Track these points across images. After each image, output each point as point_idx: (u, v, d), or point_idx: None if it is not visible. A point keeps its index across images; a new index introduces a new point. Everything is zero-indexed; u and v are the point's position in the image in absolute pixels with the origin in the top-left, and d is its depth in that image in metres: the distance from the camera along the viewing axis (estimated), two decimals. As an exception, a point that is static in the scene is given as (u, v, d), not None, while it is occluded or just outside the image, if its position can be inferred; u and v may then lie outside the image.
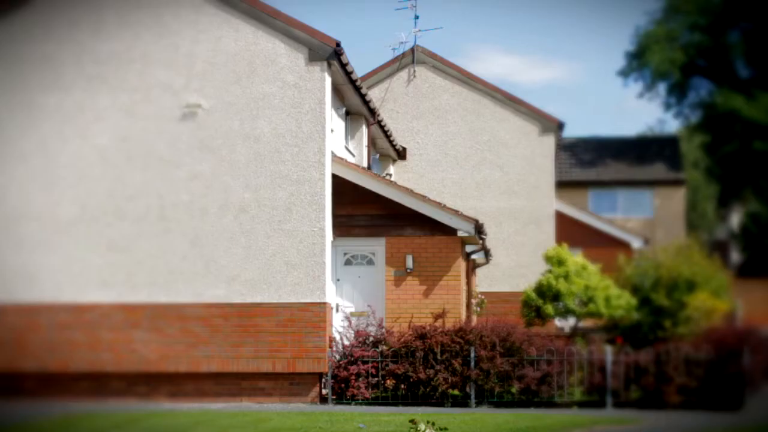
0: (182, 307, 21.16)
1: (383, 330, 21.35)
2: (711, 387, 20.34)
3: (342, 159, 22.83)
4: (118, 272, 21.23)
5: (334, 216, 21.96)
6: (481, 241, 24.01)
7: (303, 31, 21.22)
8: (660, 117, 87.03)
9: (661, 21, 53.22)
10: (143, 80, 21.51)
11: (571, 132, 54.33)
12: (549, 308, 24.46)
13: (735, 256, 56.44)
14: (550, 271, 24.92)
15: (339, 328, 21.76)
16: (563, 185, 40.79)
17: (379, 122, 26.80)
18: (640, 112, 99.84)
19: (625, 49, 54.13)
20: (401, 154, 30.56)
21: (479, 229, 22.81)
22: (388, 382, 21.00)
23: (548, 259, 25.21)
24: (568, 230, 34.23)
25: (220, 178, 21.25)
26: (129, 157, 21.44)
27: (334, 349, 21.14)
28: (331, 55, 21.17)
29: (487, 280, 30.40)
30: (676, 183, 44.81)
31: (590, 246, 34.74)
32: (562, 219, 34.44)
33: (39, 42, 21.66)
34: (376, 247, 22.79)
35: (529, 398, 20.72)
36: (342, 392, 20.84)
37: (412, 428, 15.32)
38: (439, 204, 22.82)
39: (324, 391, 20.98)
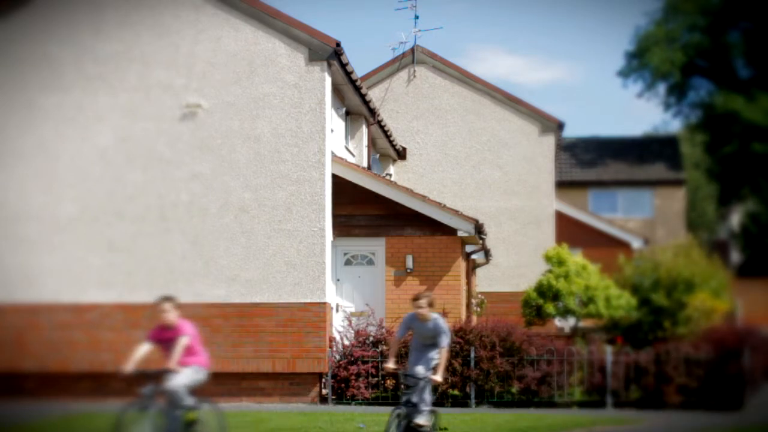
0: (182, 307, 21.08)
1: (383, 330, 21.34)
2: (711, 387, 20.34)
3: (342, 159, 22.82)
4: (118, 272, 21.23)
5: (334, 216, 21.95)
6: (481, 241, 24.01)
7: (303, 31, 21.22)
8: (664, 117, 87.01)
9: (661, 21, 53.21)
10: (143, 80, 21.50)
11: (571, 132, 54.39)
12: (549, 307, 24.46)
13: (735, 256, 56.40)
14: (550, 271, 24.92)
15: (339, 328, 21.77)
16: (563, 185, 40.80)
17: (379, 122, 26.80)
18: (642, 112, 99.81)
19: (625, 49, 54.23)
20: (401, 154, 30.55)
21: (479, 229, 22.80)
22: (388, 382, 20.99)
23: (548, 259, 25.20)
24: (568, 230, 34.26)
25: (220, 178, 21.24)
26: (129, 157, 21.43)
27: (334, 349, 21.14)
28: (331, 55, 21.17)
29: (487, 280, 30.39)
30: (676, 183, 44.79)
31: (590, 246, 34.77)
32: (562, 219, 34.46)
33: (39, 42, 21.65)
34: (376, 247, 22.78)
35: (529, 398, 20.71)
36: (342, 392, 20.84)
37: (412, 428, 15.29)
38: (439, 204, 22.81)
39: (324, 391, 20.97)
